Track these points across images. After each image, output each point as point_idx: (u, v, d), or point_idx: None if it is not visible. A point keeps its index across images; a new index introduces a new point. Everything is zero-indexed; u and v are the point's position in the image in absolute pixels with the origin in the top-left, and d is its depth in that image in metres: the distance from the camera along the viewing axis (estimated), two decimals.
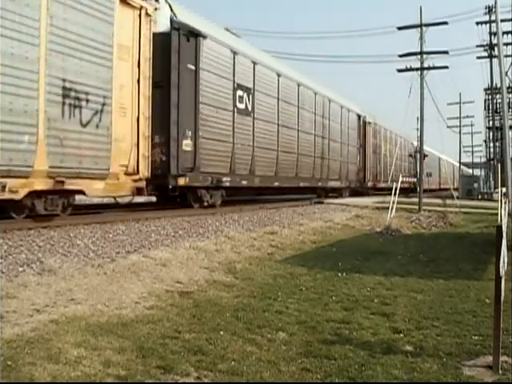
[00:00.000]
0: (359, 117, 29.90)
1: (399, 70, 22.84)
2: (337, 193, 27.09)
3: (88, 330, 4.74)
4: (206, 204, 14.29)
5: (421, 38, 21.78)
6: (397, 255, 10.20)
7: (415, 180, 35.06)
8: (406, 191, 35.66)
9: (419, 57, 21.98)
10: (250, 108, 16.68)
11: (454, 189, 32.31)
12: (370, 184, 31.78)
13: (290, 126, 20.05)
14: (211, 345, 4.58)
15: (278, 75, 18.87)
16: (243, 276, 7.70)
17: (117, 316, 5.28)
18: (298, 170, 20.91)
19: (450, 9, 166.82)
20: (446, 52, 22.61)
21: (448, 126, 49.96)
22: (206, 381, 3.89)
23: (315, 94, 23.02)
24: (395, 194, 17.66)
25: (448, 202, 24.49)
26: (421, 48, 21.88)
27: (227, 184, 15.11)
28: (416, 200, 22.25)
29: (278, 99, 18.89)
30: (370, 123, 31.71)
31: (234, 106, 15.53)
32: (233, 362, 4.20)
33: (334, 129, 25.43)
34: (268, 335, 4.95)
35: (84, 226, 9.89)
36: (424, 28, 21.82)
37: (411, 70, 22.48)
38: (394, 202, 17.09)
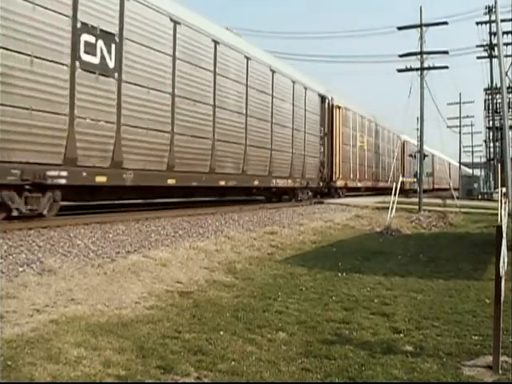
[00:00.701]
0: (323, 98, 23.58)
1: (399, 70, 22.85)
2: (290, 195, 21.20)
3: (88, 329, 4.74)
4: (15, 214, 9.06)
5: (421, 38, 21.79)
6: (397, 255, 10.20)
7: (405, 179, 32.47)
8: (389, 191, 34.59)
9: (419, 57, 21.99)
10: (112, 64, 10.87)
11: (454, 189, 31.89)
12: (339, 183, 26.06)
13: (196, 98, 13.69)
14: (211, 345, 4.58)
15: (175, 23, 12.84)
16: (243, 276, 7.70)
17: (117, 316, 5.28)
18: (214, 162, 14.58)
19: (450, 9, 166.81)
20: (446, 52, 22.61)
21: (448, 126, 49.99)
22: (206, 381, 3.89)
23: (247, 58, 16.39)
24: (395, 194, 17.66)
25: (448, 201, 24.48)
26: (421, 48, 21.88)
27: (62, 182, 9.75)
28: (416, 200, 22.25)
29: (174, 56, 12.89)
30: (339, 107, 25.75)
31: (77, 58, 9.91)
32: (233, 362, 4.20)
33: (282, 110, 19.10)
34: (268, 335, 4.95)
35: (84, 225, 9.90)
36: (424, 28, 21.83)
37: (411, 70, 22.49)
38: (393, 202, 17.09)
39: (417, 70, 22.29)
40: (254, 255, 9.50)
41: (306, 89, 21.59)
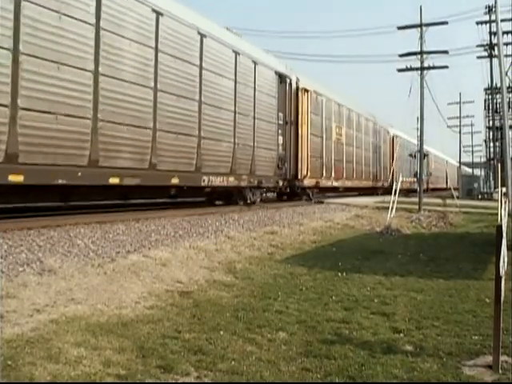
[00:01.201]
0: (282, 77, 18.59)
1: (399, 70, 22.87)
2: (235, 196, 16.57)
3: (88, 329, 4.74)
4: None
5: (421, 37, 21.81)
6: (397, 255, 10.20)
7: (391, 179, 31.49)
8: (377, 191, 31.94)
9: (419, 56, 22.00)
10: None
11: (454, 188, 31.77)
12: (307, 182, 21.46)
13: (71, 63, 9.60)
14: (211, 344, 4.58)
15: None
16: (243, 276, 7.70)
17: (117, 316, 5.28)
18: (98, 150, 10.31)
19: (449, 9, 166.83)
20: (446, 52, 22.63)
21: (448, 126, 50.10)
22: (206, 380, 3.89)
23: (157, 13, 11.94)
24: (395, 194, 17.67)
25: (448, 201, 24.48)
26: (421, 48, 21.90)
27: None
28: (416, 200, 22.26)
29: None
30: (307, 91, 21.20)
31: None
32: (233, 362, 4.20)
33: (217, 86, 14.51)
34: (268, 335, 4.95)
35: (84, 225, 9.90)
36: (424, 28, 21.85)
37: (411, 69, 22.52)
38: (394, 202, 17.09)
39: (417, 69, 22.31)
40: (254, 255, 9.50)
41: (255, 63, 16.65)
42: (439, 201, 25.93)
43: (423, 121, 22.93)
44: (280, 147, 18.70)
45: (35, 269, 6.57)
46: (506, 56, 31.08)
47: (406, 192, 32.58)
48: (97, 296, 5.86)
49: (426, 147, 47.13)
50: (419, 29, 21.92)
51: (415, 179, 36.05)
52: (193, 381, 3.88)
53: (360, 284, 7.40)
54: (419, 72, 22.23)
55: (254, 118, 16.70)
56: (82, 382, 3.70)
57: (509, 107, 29.04)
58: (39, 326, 4.70)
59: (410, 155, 35.71)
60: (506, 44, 32.20)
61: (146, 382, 3.78)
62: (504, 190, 14.86)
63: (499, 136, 34.22)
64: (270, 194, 21.28)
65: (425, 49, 21.94)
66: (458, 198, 26.65)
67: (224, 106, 14.95)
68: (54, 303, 5.44)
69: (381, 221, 16.25)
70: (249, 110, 16.36)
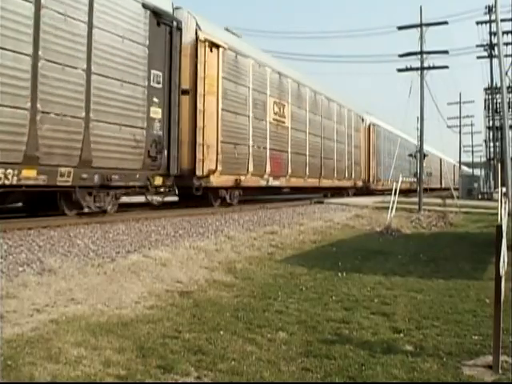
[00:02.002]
0: (159, 16, 11.99)
1: (399, 70, 22.85)
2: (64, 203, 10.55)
3: (88, 329, 4.75)
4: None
5: (421, 37, 21.79)
6: (397, 255, 10.19)
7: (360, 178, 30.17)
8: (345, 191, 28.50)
9: (419, 57, 21.99)
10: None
11: (455, 188, 31.58)
12: (218, 180, 15.02)
13: None
14: (211, 344, 4.58)
15: None
16: (243, 276, 7.70)
17: (117, 316, 5.28)
18: None
19: (449, 9, 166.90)
20: (446, 52, 22.62)
21: (448, 126, 50.00)
22: (205, 380, 3.89)
23: None
24: (395, 194, 17.66)
25: (448, 201, 24.49)
26: (421, 48, 21.88)
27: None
28: (416, 200, 22.26)
29: None
30: (215, 46, 14.53)
31: None
32: (233, 362, 4.20)
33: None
34: (268, 335, 4.95)
35: (84, 225, 9.90)
36: (424, 28, 21.82)
37: (411, 69, 22.49)
38: (393, 202, 17.09)
39: (417, 69, 22.28)
40: (254, 255, 9.50)
41: None
42: (439, 201, 25.92)
43: (423, 121, 22.93)
44: (155, 125, 11.94)
45: (35, 269, 6.57)
46: (506, 56, 31.08)
47: (402, 193, 31.64)
48: (97, 296, 5.86)
49: (415, 142, 42.47)
50: (419, 29, 21.91)
51: (409, 179, 34.42)
52: (193, 381, 3.88)
53: (360, 284, 7.40)
54: (419, 72, 22.22)
55: (92, 72, 10.12)
56: (82, 382, 3.70)
57: (509, 107, 29.07)
58: (39, 326, 4.70)
59: (410, 155, 33.40)
60: (506, 44, 32.19)
61: (146, 382, 3.78)
62: (504, 189, 14.86)
63: (499, 136, 34.22)
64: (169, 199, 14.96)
65: (425, 49, 21.95)
66: (458, 197, 26.64)
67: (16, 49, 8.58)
68: (54, 303, 5.45)
69: (381, 221, 16.24)
70: (76, 60, 9.76)
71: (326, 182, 24.77)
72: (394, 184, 17.96)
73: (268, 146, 18.38)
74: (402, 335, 5.07)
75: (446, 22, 22.56)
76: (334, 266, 8.63)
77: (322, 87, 25.09)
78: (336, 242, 11.74)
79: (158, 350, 4.37)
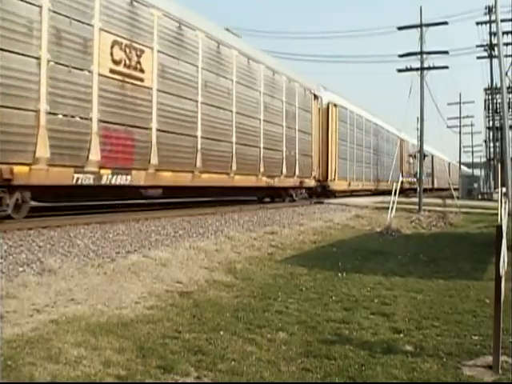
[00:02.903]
0: None
1: (399, 70, 22.87)
2: None
3: (88, 329, 4.74)
4: None
5: (421, 38, 21.81)
6: (397, 255, 10.19)
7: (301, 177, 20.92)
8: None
9: (419, 57, 22.00)
10: None
11: (455, 189, 31.30)
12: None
13: None
14: (211, 345, 4.58)
15: None
16: (243, 276, 7.70)
17: (117, 316, 5.28)
18: None
19: (450, 9, 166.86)
20: (446, 52, 22.63)
21: (448, 126, 50.01)
22: (205, 381, 3.89)
23: None
24: (395, 194, 17.66)
25: (448, 201, 24.49)
26: (421, 48, 21.90)
27: None
28: (416, 200, 22.26)
29: None
30: None
31: None
32: (233, 362, 4.20)
33: None
34: (268, 335, 4.94)
35: (84, 225, 9.90)
36: (424, 28, 21.84)
37: (411, 70, 22.51)
38: (394, 202, 17.09)
39: (417, 70, 22.30)
40: (254, 255, 9.50)
41: None
42: (439, 201, 25.91)
43: (423, 121, 22.93)
44: None
45: (35, 269, 6.57)
46: (506, 56, 31.10)
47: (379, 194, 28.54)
48: (97, 296, 5.86)
49: (403, 135, 38.73)
50: (419, 29, 21.92)
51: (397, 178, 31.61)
52: (193, 381, 3.88)
53: (360, 284, 7.40)
54: (419, 72, 22.23)
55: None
56: (82, 382, 3.70)
57: (509, 107, 29.05)
58: (39, 326, 4.70)
59: (397, 150, 30.44)
60: (506, 44, 32.20)
61: (146, 382, 3.78)
62: (504, 190, 14.86)
63: (499, 136, 34.23)
64: None
65: (425, 49, 21.95)
66: (458, 198, 26.64)
67: None
68: (54, 303, 5.44)
69: (381, 221, 16.25)
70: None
71: (241, 180, 16.75)
72: (394, 184, 17.95)
73: (96, 115, 10.77)
74: (401, 335, 5.07)
75: (446, 23, 22.58)
76: (333, 267, 8.62)
77: (247, 46, 17.97)
78: (336, 243, 11.74)
79: (157, 350, 4.37)
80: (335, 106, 26.37)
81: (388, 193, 29.55)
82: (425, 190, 35.50)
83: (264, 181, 18.54)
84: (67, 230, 9.17)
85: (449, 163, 53.17)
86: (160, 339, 4.64)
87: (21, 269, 6.51)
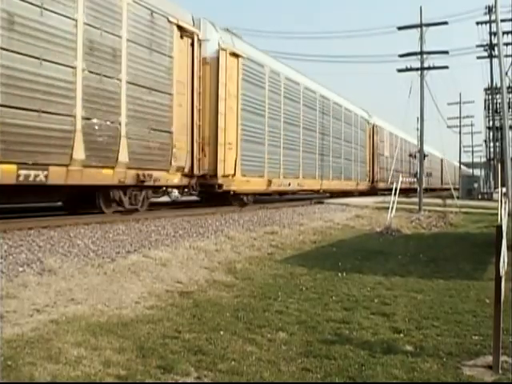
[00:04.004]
0: None
1: (399, 70, 22.86)
2: None
3: (88, 329, 4.75)
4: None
5: (421, 38, 21.80)
6: (397, 255, 10.20)
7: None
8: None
9: (419, 57, 22.00)
10: None
11: (455, 188, 31.05)
12: None
13: None
14: (211, 345, 4.58)
15: None
16: (243, 276, 7.70)
17: (117, 316, 5.28)
18: None
19: (450, 9, 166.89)
20: (446, 52, 22.63)
21: (448, 126, 49.92)
22: (206, 381, 3.89)
23: None
24: (395, 194, 17.67)
25: (448, 201, 24.50)
26: (421, 48, 21.89)
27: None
28: (416, 200, 22.27)
29: None
30: None
31: None
32: (233, 362, 4.20)
33: None
34: (268, 335, 4.95)
35: (84, 226, 9.90)
36: (424, 28, 21.83)
37: (411, 69, 22.50)
38: (394, 202, 17.10)
39: (417, 70, 22.29)
40: (254, 255, 9.50)
41: None
42: (439, 201, 25.93)
43: (423, 121, 22.93)
44: None
45: (35, 269, 6.57)
46: (506, 56, 31.13)
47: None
48: (97, 296, 5.86)
49: (377, 120, 32.27)
50: (419, 29, 21.92)
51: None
52: (193, 381, 3.88)
53: (360, 284, 7.40)
54: (419, 72, 22.22)
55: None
56: (82, 383, 3.70)
57: (509, 107, 29.07)
58: (39, 326, 4.70)
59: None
60: (506, 44, 32.22)
61: (146, 382, 3.78)
62: (504, 190, 14.87)
63: (499, 136, 34.21)
64: None
65: (425, 49, 21.95)
66: (458, 198, 26.65)
67: None
68: (54, 303, 5.45)
69: (381, 221, 16.25)
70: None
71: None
72: (395, 184, 17.96)
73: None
74: (402, 335, 5.07)
75: (445, 22, 22.57)
76: (334, 266, 8.63)
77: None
78: (336, 243, 11.74)
79: (157, 350, 4.37)
80: (235, 55, 15.76)
81: (351, 195, 27.36)
82: (408, 190, 30.88)
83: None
84: (67, 230, 9.17)
85: (441, 160, 50.33)
86: (160, 339, 4.64)
87: (21, 269, 6.51)
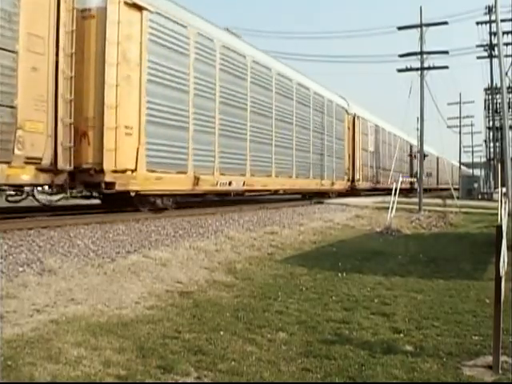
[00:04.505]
0: None
1: (399, 70, 22.87)
2: None
3: (88, 329, 4.75)
4: None
5: (421, 38, 21.81)
6: (397, 255, 10.19)
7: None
8: None
9: (419, 57, 22.01)
10: None
11: (455, 188, 30.89)
12: None
13: None
14: (211, 345, 4.58)
15: None
16: (243, 276, 7.70)
17: (117, 316, 5.28)
18: None
19: (450, 9, 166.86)
20: (446, 52, 22.64)
21: (448, 126, 49.85)
22: (206, 381, 3.89)
23: None
24: (395, 194, 17.67)
25: (448, 201, 24.50)
26: (421, 48, 21.90)
27: None
28: (416, 200, 22.27)
29: None
30: None
31: None
32: (233, 362, 4.20)
33: None
34: (268, 335, 4.95)
35: (84, 226, 9.90)
36: (424, 28, 21.84)
37: (411, 70, 22.52)
38: (394, 202, 17.10)
39: (417, 70, 22.31)
40: (254, 255, 9.50)
41: None
42: (439, 201, 25.93)
43: (423, 121, 22.94)
44: None
45: (35, 269, 6.58)
46: (506, 56, 31.09)
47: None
48: (97, 296, 5.86)
49: (359, 110, 27.99)
50: (419, 29, 21.92)
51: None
52: (193, 381, 3.88)
53: (360, 284, 7.40)
54: (419, 72, 22.23)
55: None
56: (82, 383, 3.70)
57: (509, 107, 29.07)
58: (39, 326, 4.70)
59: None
60: (506, 44, 32.20)
61: (146, 382, 3.78)
62: (504, 190, 14.87)
63: (499, 136, 34.19)
64: None
65: (425, 49, 21.96)
66: (458, 198, 26.64)
67: None
68: (54, 303, 5.45)
69: (381, 221, 16.25)
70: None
71: None
72: (394, 184, 17.96)
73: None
74: (402, 335, 5.07)
75: (445, 23, 22.57)
76: (334, 267, 8.62)
77: None
78: (336, 243, 11.74)
79: (158, 350, 4.37)
80: (136, 6, 11.59)
81: (327, 196, 22.86)
82: (385, 189, 26.24)
83: None
84: (67, 230, 9.17)
85: (437, 158, 48.22)
86: (160, 339, 4.64)
87: (21, 269, 6.51)
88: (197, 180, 13.66)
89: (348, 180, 27.01)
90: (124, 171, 11.04)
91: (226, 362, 4.20)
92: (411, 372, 4.13)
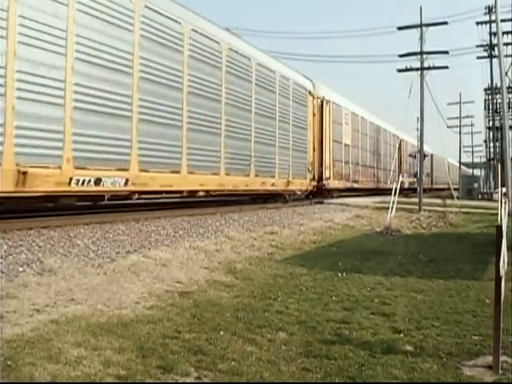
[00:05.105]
0: None
1: (399, 70, 22.88)
2: None
3: (88, 329, 4.75)
4: None
5: (421, 38, 21.82)
6: (397, 255, 10.19)
7: None
8: None
9: (419, 57, 22.01)
10: None
11: (455, 188, 30.83)
12: None
13: None
14: (211, 345, 4.58)
15: None
16: (243, 276, 7.70)
17: (117, 316, 5.28)
18: None
19: (450, 9, 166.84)
20: (446, 52, 22.64)
21: (448, 126, 49.88)
22: (205, 381, 3.89)
23: None
24: (395, 194, 17.67)
25: (448, 201, 24.51)
26: (421, 48, 21.91)
27: None
28: (416, 200, 22.27)
29: None
30: None
31: None
32: (233, 362, 4.20)
33: None
34: (268, 335, 4.94)
35: (84, 226, 9.90)
36: (424, 28, 21.85)
37: (411, 70, 22.53)
38: (394, 202, 17.10)
39: (417, 70, 22.32)
40: (254, 255, 9.50)
41: None
42: (439, 201, 25.93)
43: (423, 121, 22.94)
44: None
45: (35, 269, 6.58)
46: (506, 56, 31.13)
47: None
48: (97, 296, 5.86)
49: (329, 93, 23.63)
50: (419, 29, 21.93)
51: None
52: (193, 381, 3.88)
53: (360, 284, 7.40)
54: (419, 72, 22.24)
55: None
56: (82, 383, 3.70)
57: (509, 107, 29.05)
58: (39, 327, 4.70)
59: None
60: (506, 44, 32.21)
61: (146, 382, 3.78)
62: (504, 190, 14.87)
63: (499, 136, 34.21)
64: None
65: (425, 49, 21.96)
66: (458, 198, 26.64)
67: None
68: (54, 303, 5.45)
69: (381, 221, 16.25)
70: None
71: None
72: (394, 184, 17.96)
73: None
74: (401, 335, 5.07)
75: (445, 23, 22.59)
76: (334, 267, 8.62)
77: None
78: (336, 243, 11.73)
79: (158, 350, 4.37)
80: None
81: (283, 199, 18.59)
82: (368, 189, 24.31)
83: None
84: (67, 230, 9.17)
85: (431, 155, 44.47)
86: (160, 339, 4.64)
87: (21, 269, 6.51)
88: (24, 177, 8.62)
89: (313, 178, 22.08)
90: None
91: (226, 361, 4.20)
92: (411, 372, 4.13)
